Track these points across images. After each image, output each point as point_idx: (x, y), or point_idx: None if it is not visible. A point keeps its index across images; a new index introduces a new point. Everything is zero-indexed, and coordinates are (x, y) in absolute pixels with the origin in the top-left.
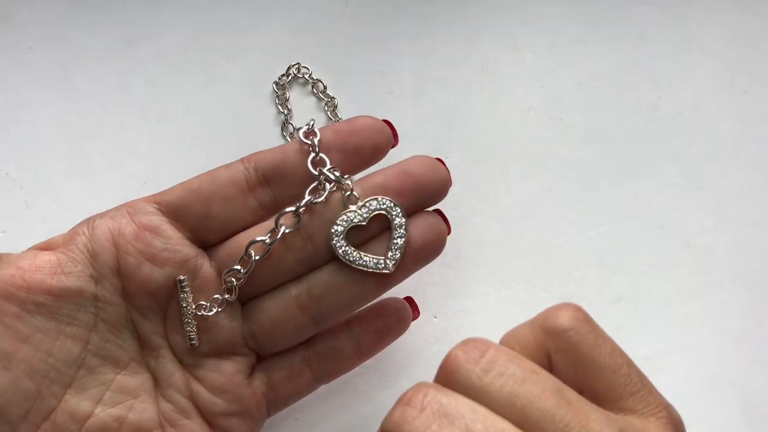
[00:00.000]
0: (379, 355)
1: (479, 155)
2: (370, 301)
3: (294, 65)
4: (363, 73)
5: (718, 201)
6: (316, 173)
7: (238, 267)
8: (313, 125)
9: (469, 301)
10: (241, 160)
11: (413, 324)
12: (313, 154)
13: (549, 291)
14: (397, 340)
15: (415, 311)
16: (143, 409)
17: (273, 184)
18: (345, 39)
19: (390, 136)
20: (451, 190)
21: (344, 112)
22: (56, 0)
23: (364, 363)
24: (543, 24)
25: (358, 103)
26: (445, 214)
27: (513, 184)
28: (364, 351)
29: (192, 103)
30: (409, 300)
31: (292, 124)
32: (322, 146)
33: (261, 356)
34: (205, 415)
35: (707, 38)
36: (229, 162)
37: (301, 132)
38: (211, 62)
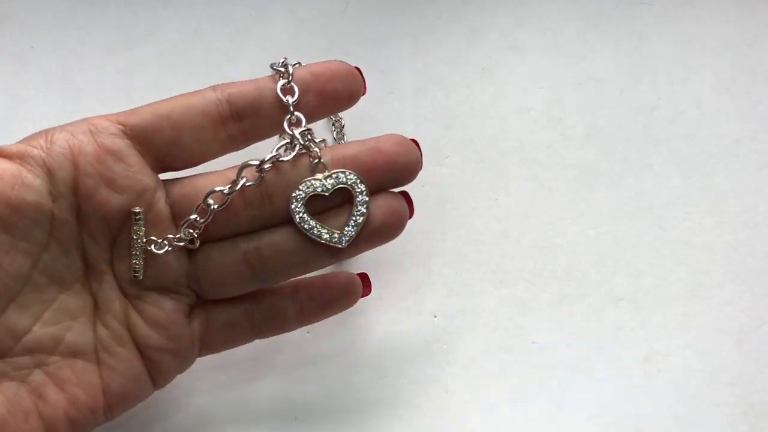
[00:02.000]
0: (379, 355)
1: (479, 155)
2: (316, 270)
3: (294, 64)
4: (363, 73)
5: (718, 201)
6: (285, 101)
7: (196, 216)
8: (286, 60)
9: (469, 301)
10: (213, 88)
11: (413, 324)
12: (283, 81)
13: (549, 291)
14: (398, 341)
15: (367, 288)
16: (80, 331)
17: (245, 120)
18: (345, 39)
19: (362, 85)
20: (451, 190)
21: (344, 112)
22: (57, 0)
23: (362, 358)
24: (543, 24)
25: (357, 103)
26: (445, 213)
27: (513, 184)
28: (306, 317)
29: None
30: (363, 276)
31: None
32: (298, 86)
33: (201, 298)
34: (140, 346)
35: (708, 38)
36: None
37: (273, 66)
38: (211, 62)
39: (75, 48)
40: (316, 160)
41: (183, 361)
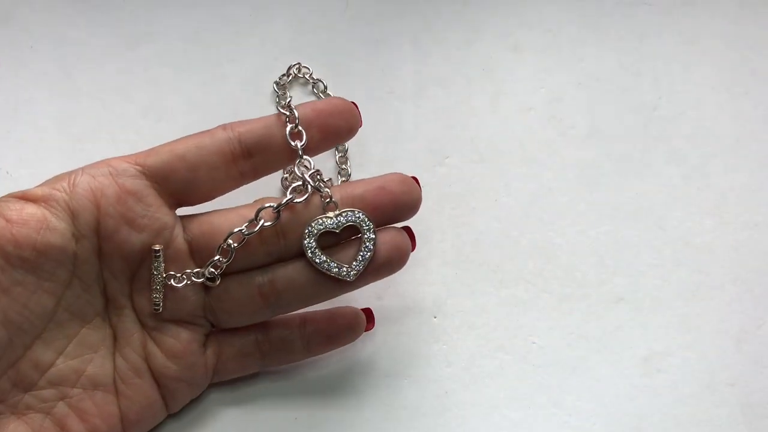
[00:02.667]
0: (379, 355)
1: (479, 155)
2: (326, 300)
3: (294, 65)
4: (363, 73)
5: (719, 201)
6: (294, 145)
7: (219, 257)
8: (290, 101)
9: (469, 301)
10: (223, 127)
11: (413, 324)
12: (291, 126)
13: (549, 291)
14: (397, 340)
15: (370, 323)
16: (100, 364)
17: (255, 157)
18: (345, 39)
19: (359, 119)
20: (451, 190)
21: None
22: (57, 0)
23: (362, 358)
24: (543, 24)
25: (358, 103)
26: (446, 213)
27: (513, 184)
28: (313, 350)
29: (192, 103)
30: (368, 312)
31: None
32: (302, 123)
33: (215, 328)
34: (156, 376)
35: (708, 39)
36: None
37: (279, 107)
38: (211, 62)
39: (75, 48)
40: (328, 200)
41: (196, 389)
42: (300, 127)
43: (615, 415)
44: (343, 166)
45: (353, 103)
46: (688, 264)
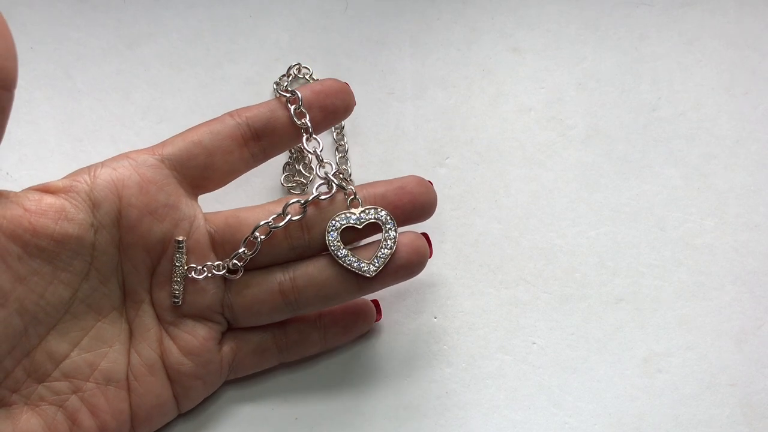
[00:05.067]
0: (380, 355)
1: (479, 155)
2: (345, 301)
3: (294, 65)
4: (363, 73)
5: (719, 202)
6: (300, 124)
7: (244, 249)
8: (287, 85)
9: (469, 302)
10: (230, 114)
11: (413, 324)
12: (294, 106)
13: (549, 291)
14: (397, 341)
15: (378, 314)
16: (115, 359)
17: (264, 139)
18: (345, 39)
19: (353, 98)
20: (451, 191)
21: None
22: (57, 0)
23: (362, 358)
24: (543, 24)
25: (358, 104)
26: (446, 214)
27: (513, 184)
28: (329, 342)
29: (192, 103)
30: (375, 303)
31: None
32: (303, 104)
33: (232, 325)
34: (171, 374)
35: (708, 39)
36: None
37: (280, 89)
38: (211, 62)
39: (75, 48)
40: (352, 197)
41: (210, 387)
42: (303, 108)
43: (615, 415)
44: (344, 167)
45: (346, 83)
46: (688, 264)
